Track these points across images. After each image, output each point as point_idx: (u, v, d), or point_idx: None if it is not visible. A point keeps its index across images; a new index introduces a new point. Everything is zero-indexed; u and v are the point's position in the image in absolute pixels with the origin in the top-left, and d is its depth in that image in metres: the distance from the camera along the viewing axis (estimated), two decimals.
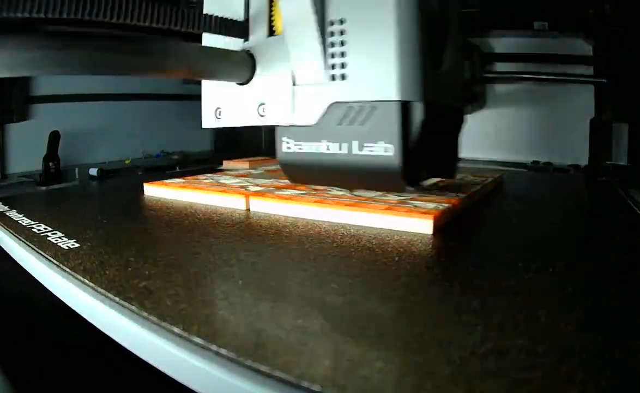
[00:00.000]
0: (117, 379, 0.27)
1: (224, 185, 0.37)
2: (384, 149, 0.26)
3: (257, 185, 0.37)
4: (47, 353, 0.28)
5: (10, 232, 0.29)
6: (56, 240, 0.26)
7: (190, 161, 0.75)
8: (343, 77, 0.27)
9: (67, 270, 0.22)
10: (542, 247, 0.25)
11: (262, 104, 0.31)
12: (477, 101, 0.73)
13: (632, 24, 0.61)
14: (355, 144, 0.27)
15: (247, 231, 0.28)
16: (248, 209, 0.33)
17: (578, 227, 0.29)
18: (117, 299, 0.18)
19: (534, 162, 0.70)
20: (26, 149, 0.67)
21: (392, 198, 0.30)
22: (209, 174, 0.45)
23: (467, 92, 0.70)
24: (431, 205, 0.28)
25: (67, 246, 0.25)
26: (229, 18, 0.30)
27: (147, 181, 0.42)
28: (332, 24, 0.27)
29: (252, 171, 0.48)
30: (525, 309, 0.16)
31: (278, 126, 0.31)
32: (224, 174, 0.45)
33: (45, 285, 0.23)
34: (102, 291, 0.19)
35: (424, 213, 0.26)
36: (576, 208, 0.35)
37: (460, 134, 0.34)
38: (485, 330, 0.15)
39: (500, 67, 0.72)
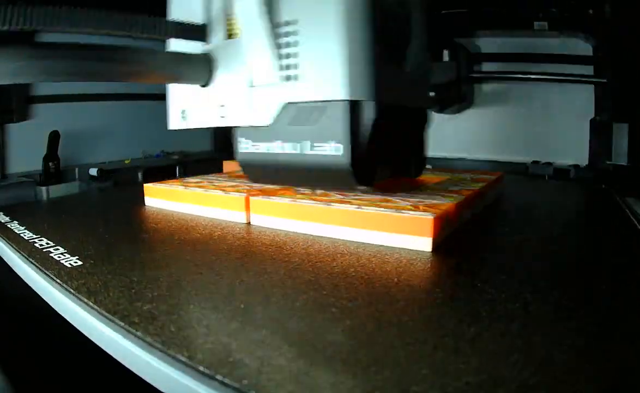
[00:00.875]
0: (117, 379, 0.27)
1: (224, 190, 0.37)
2: (334, 149, 0.27)
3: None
4: (47, 353, 0.29)
5: (13, 247, 0.29)
6: (59, 257, 0.26)
7: (190, 161, 0.75)
8: (295, 77, 0.28)
9: (71, 290, 0.22)
10: (538, 271, 0.24)
11: (222, 105, 0.31)
12: (465, 101, 0.73)
13: (632, 24, 0.61)
14: (306, 144, 0.28)
15: (248, 249, 0.28)
16: (249, 223, 0.34)
17: (577, 248, 0.29)
18: (122, 323, 0.18)
19: (534, 162, 0.70)
20: (26, 149, 0.66)
21: (397, 201, 0.30)
22: (210, 176, 0.45)
23: (454, 91, 0.70)
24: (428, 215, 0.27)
25: (69, 264, 0.25)
26: (188, 22, 0.31)
27: (148, 182, 0.42)
28: (284, 24, 0.28)
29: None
30: (520, 340, 0.17)
31: (236, 126, 0.31)
32: (223, 177, 0.45)
33: (49, 303, 0.23)
34: (107, 314, 0.19)
35: (423, 227, 0.27)
36: (575, 223, 0.35)
37: (425, 134, 0.35)
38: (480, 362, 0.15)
39: (500, 67, 0.72)
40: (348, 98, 0.26)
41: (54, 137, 0.64)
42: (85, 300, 0.21)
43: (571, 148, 0.69)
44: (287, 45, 0.28)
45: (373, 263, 0.25)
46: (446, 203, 0.29)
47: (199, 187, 0.38)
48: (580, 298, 0.20)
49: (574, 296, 0.21)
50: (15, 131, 0.66)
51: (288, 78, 0.28)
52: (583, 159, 0.69)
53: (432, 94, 0.71)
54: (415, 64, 0.31)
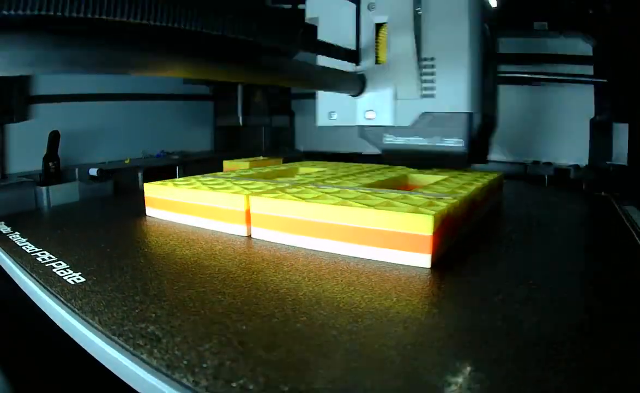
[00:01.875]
0: (117, 379, 0.27)
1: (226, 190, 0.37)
2: (456, 142, 0.41)
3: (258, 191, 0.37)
4: (47, 353, 0.29)
5: (16, 262, 0.29)
6: (61, 273, 0.27)
7: (190, 161, 0.75)
8: (432, 95, 0.42)
9: (76, 310, 0.22)
10: (534, 292, 0.24)
11: (369, 110, 0.44)
12: None
13: (632, 24, 0.61)
14: (437, 138, 0.42)
15: (249, 264, 0.28)
16: (249, 236, 0.34)
17: (579, 273, 0.28)
18: (126, 345, 0.19)
19: (534, 162, 0.70)
20: (26, 149, 0.66)
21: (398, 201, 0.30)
22: (209, 176, 0.45)
23: None
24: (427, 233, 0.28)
25: (72, 281, 0.25)
26: (348, 48, 0.42)
27: (148, 182, 0.43)
28: (425, 59, 0.42)
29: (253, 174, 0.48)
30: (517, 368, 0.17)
31: (380, 125, 0.45)
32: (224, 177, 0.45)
33: (53, 319, 0.24)
34: (112, 337, 0.19)
35: (421, 244, 0.27)
36: (575, 239, 0.35)
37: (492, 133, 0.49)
38: None
39: (500, 67, 0.71)
40: (468, 111, 0.40)
41: (54, 137, 0.64)
42: (90, 321, 0.21)
43: (571, 148, 0.69)
44: (427, 73, 0.41)
45: (373, 281, 0.25)
46: (445, 210, 0.29)
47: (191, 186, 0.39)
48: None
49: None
50: (15, 131, 0.66)
51: (425, 95, 0.42)
52: (583, 159, 0.69)
53: None
54: (492, 86, 0.45)
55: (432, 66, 0.41)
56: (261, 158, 0.72)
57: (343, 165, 0.58)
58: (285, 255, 0.29)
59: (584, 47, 0.68)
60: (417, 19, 0.41)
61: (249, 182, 0.40)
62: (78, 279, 0.26)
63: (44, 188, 0.61)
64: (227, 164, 0.69)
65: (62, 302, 0.23)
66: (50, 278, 0.26)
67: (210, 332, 0.20)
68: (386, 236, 0.28)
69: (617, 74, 0.64)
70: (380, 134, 0.45)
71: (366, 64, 0.44)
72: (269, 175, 0.48)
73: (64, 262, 0.28)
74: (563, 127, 0.71)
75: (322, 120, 0.48)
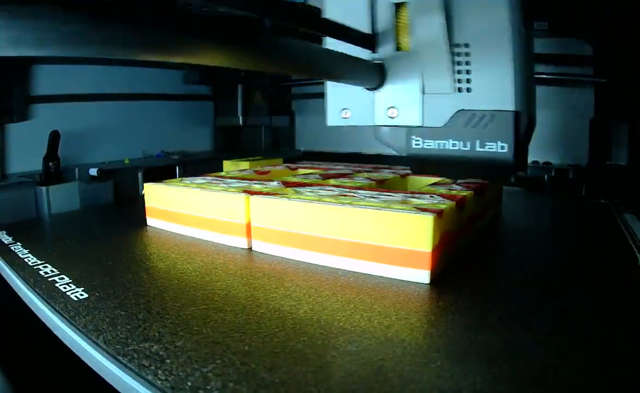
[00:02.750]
0: None
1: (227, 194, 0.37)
2: (500, 147, 0.33)
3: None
4: (47, 353, 0.29)
5: (19, 275, 0.29)
6: (64, 288, 0.27)
7: (190, 161, 0.75)
8: (468, 90, 0.34)
9: (80, 328, 0.22)
10: (531, 310, 0.24)
11: (391, 107, 0.37)
12: None
13: (632, 24, 0.61)
14: (477, 142, 0.34)
15: (250, 280, 0.28)
16: (250, 248, 0.34)
17: (579, 294, 0.27)
18: (131, 365, 0.19)
19: (534, 162, 0.70)
20: (26, 149, 0.66)
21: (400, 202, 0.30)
22: (209, 179, 0.45)
23: None
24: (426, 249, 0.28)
25: (75, 297, 0.26)
26: (361, 31, 0.35)
27: (148, 182, 0.43)
28: (458, 46, 0.34)
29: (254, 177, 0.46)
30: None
31: (404, 125, 0.37)
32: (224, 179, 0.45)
33: (57, 335, 0.24)
34: (116, 355, 0.20)
35: (420, 260, 0.27)
36: (574, 251, 0.34)
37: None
38: None
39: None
40: (514, 109, 0.33)
41: (54, 137, 0.64)
42: (94, 339, 0.21)
43: (571, 148, 0.69)
44: (462, 63, 0.34)
45: (372, 297, 0.25)
46: (445, 227, 0.29)
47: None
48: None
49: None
50: (15, 131, 0.66)
51: (460, 90, 0.34)
52: (583, 159, 0.69)
53: None
54: (530, 76, 0.37)
55: (467, 54, 0.34)
56: (260, 158, 0.72)
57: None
58: (286, 269, 0.30)
59: (583, 47, 0.68)
60: None
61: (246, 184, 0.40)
62: (81, 295, 0.26)
63: (44, 188, 0.61)
64: (227, 164, 0.69)
65: (66, 319, 0.23)
66: (53, 293, 0.26)
67: (214, 352, 0.20)
68: (386, 251, 0.28)
69: (617, 74, 0.64)
70: (403, 137, 0.37)
71: (385, 51, 0.36)
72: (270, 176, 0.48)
73: (67, 276, 0.29)
74: (563, 127, 0.71)
75: (333, 119, 0.40)
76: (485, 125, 0.34)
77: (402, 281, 0.27)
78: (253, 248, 0.34)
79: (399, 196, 0.33)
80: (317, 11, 0.37)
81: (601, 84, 0.67)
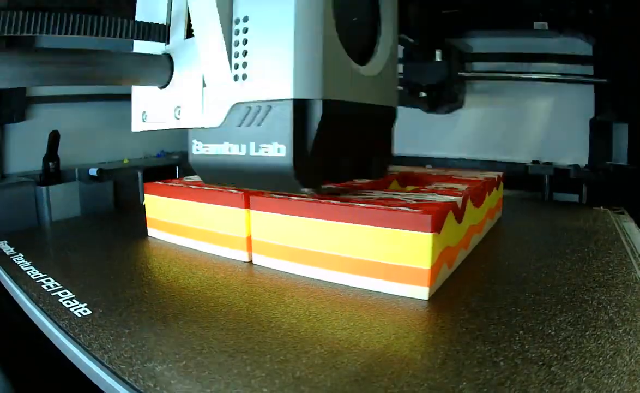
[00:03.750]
0: None
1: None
2: (277, 150, 0.26)
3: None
4: (47, 353, 0.29)
5: (22, 289, 0.30)
6: (67, 304, 0.27)
7: None
8: (245, 77, 0.27)
9: (84, 346, 0.23)
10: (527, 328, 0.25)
11: (177, 106, 0.31)
12: (456, 101, 0.73)
13: (632, 24, 0.61)
14: (252, 145, 0.28)
15: (251, 296, 0.29)
16: (251, 261, 0.34)
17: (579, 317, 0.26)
18: (137, 386, 0.19)
19: (534, 162, 0.71)
20: (26, 149, 0.66)
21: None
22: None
23: (446, 92, 0.71)
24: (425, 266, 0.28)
25: (79, 313, 0.26)
26: (148, 22, 0.30)
27: (148, 181, 0.43)
28: (237, 22, 0.27)
29: None
30: None
31: (190, 128, 0.31)
32: None
33: (62, 351, 0.24)
34: (121, 375, 0.20)
35: (419, 277, 0.27)
36: (573, 267, 0.34)
37: (391, 134, 0.35)
38: None
39: (500, 67, 0.72)
40: (293, 97, 0.26)
41: (54, 137, 0.64)
42: (99, 358, 0.22)
43: (571, 148, 0.70)
44: (239, 43, 0.27)
45: (372, 315, 0.25)
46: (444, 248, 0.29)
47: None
48: None
49: None
50: (15, 131, 0.66)
51: (237, 78, 0.28)
52: (583, 159, 0.69)
53: (423, 94, 0.71)
54: (384, 63, 0.31)
55: (245, 32, 0.27)
56: None
57: None
58: (286, 284, 0.30)
59: (584, 47, 0.68)
60: None
61: None
62: (84, 311, 0.26)
63: (43, 188, 0.61)
64: None
65: (71, 337, 0.24)
66: (57, 309, 0.26)
67: (217, 373, 0.20)
68: (385, 268, 0.28)
69: (617, 74, 0.64)
70: (190, 141, 0.32)
71: (174, 39, 0.31)
72: None
73: (69, 291, 0.29)
74: (563, 127, 0.71)
75: (135, 123, 0.35)
76: (260, 121, 0.27)
77: (402, 297, 0.28)
78: (254, 262, 0.34)
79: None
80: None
81: (601, 84, 0.67)
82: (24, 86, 0.26)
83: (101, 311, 0.26)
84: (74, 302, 0.27)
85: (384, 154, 0.35)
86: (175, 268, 0.34)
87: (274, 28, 0.26)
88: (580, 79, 0.68)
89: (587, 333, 0.24)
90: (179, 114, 0.31)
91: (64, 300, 0.28)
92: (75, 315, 0.26)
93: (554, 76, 0.69)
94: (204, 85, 0.29)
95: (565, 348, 0.22)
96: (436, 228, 0.27)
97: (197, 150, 0.31)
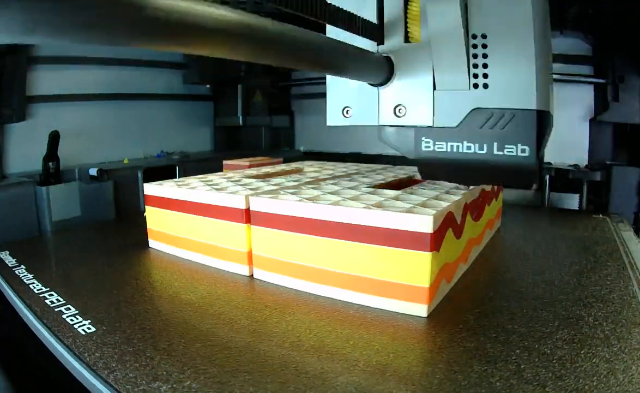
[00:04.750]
0: None
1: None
2: (521, 150, 0.30)
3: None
4: (48, 353, 0.30)
5: (25, 303, 0.30)
6: (71, 320, 0.28)
7: (190, 161, 0.75)
8: (485, 86, 0.31)
9: (90, 365, 0.23)
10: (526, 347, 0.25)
11: (399, 105, 0.34)
12: None
13: (632, 24, 0.61)
14: (495, 145, 0.31)
15: (253, 312, 0.29)
16: (251, 276, 0.35)
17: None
18: None
19: None
20: (26, 149, 0.67)
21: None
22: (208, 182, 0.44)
23: None
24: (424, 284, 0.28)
25: (83, 330, 0.26)
26: (369, 20, 0.32)
27: (148, 181, 0.43)
28: (475, 37, 0.30)
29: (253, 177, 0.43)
30: None
31: (414, 126, 0.34)
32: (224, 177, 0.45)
33: (66, 367, 0.24)
34: None
35: (418, 295, 0.28)
36: (571, 279, 0.34)
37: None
38: None
39: None
40: (537, 108, 0.30)
41: (54, 137, 0.64)
42: (104, 377, 0.22)
43: (571, 147, 0.70)
44: (478, 55, 0.30)
45: (371, 333, 0.26)
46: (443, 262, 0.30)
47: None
48: None
49: None
50: (15, 131, 0.66)
51: (476, 86, 0.31)
52: (583, 160, 0.69)
53: None
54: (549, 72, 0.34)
55: (485, 47, 0.30)
56: (260, 158, 0.72)
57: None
58: (287, 300, 0.30)
59: (584, 47, 0.68)
60: None
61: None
62: (88, 328, 0.27)
63: (43, 188, 0.61)
64: (227, 164, 0.69)
65: (76, 355, 0.24)
66: (61, 326, 0.27)
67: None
68: (384, 285, 0.28)
69: (617, 74, 0.65)
70: (411, 138, 0.34)
71: (393, 42, 0.33)
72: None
73: (73, 307, 0.29)
74: (563, 127, 0.71)
75: (333, 118, 0.37)
76: (504, 126, 0.30)
77: (401, 314, 0.28)
78: (255, 276, 0.35)
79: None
80: None
81: (601, 84, 0.67)
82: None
83: (105, 328, 0.27)
84: (77, 318, 0.28)
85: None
86: (177, 282, 0.34)
87: (514, 46, 0.29)
88: (580, 79, 0.68)
89: (582, 351, 0.24)
90: (399, 112, 0.34)
91: (67, 316, 0.28)
92: (79, 332, 0.26)
93: (554, 76, 0.69)
94: (434, 88, 0.32)
95: (560, 368, 0.22)
96: (435, 246, 0.27)
97: (427, 147, 0.34)
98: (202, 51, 0.19)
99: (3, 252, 0.41)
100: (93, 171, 0.68)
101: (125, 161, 0.71)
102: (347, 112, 0.36)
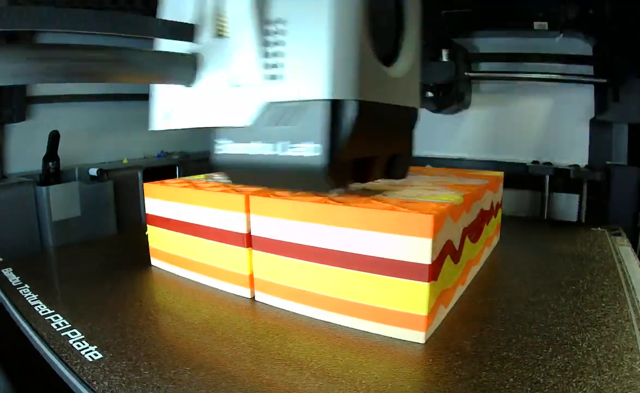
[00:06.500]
0: None
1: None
2: (312, 149, 0.27)
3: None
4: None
5: (32, 327, 0.30)
6: (78, 346, 0.28)
7: (190, 161, 0.75)
8: (278, 77, 0.27)
9: None
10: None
11: (205, 105, 0.31)
12: (462, 101, 0.73)
13: (632, 24, 0.61)
14: (284, 144, 0.28)
15: (255, 339, 0.30)
16: (253, 298, 0.35)
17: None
18: None
19: (534, 162, 0.71)
20: (26, 149, 0.67)
21: None
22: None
23: (453, 92, 0.71)
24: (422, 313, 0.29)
25: (90, 356, 0.27)
26: (175, 21, 0.30)
27: (148, 181, 0.44)
28: (270, 23, 0.27)
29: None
30: None
31: (216, 127, 0.31)
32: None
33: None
34: None
35: (416, 323, 0.28)
36: (564, 299, 0.35)
37: (412, 134, 0.35)
38: None
39: (500, 67, 0.71)
40: (330, 97, 0.26)
41: (54, 137, 0.65)
42: None
43: (571, 147, 0.70)
44: (273, 43, 0.27)
45: (370, 360, 0.27)
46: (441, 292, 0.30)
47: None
48: None
49: None
50: (15, 131, 0.66)
51: (270, 77, 0.28)
52: (583, 159, 0.70)
53: (429, 94, 0.71)
54: (409, 64, 0.32)
55: (282, 33, 0.27)
56: None
57: None
58: (289, 325, 0.31)
59: (584, 47, 0.68)
60: None
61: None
62: (95, 354, 0.27)
63: (44, 188, 0.62)
64: None
65: (85, 384, 0.25)
66: (69, 352, 0.27)
67: None
68: (383, 312, 0.29)
69: (617, 74, 0.65)
70: (213, 140, 0.32)
71: (203, 39, 0.31)
72: None
73: (79, 331, 0.30)
74: (563, 127, 0.71)
75: (157, 122, 0.35)
76: (293, 121, 0.27)
77: (399, 340, 0.29)
78: (256, 299, 0.35)
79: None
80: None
81: (601, 84, 0.67)
82: (37, 83, 0.26)
83: (111, 355, 0.27)
84: (84, 344, 0.28)
85: (407, 155, 0.35)
86: (180, 304, 0.35)
87: (309, 30, 0.26)
88: (580, 79, 0.68)
89: (574, 380, 0.25)
90: (205, 112, 0.31)
91: (74, 342, 0.29)
92: (86, 358, 0.27)
93: (554, 76, 0.69)
94: (234, 85, 0.29)
95: None
96: (433, 276, 0.28)
97: (221, 150, 0.31)
98: None
99: (6, 269, 0.41)
100: (93, 171, 0.69)
101: (125, 161, 0.71)
102: (169, 116, 0.34)
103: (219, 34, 0.30)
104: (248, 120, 0.29)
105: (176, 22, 0.30)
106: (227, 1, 0.29)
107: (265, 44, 0.27)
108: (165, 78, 0.30)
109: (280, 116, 0.28)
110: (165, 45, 0.32)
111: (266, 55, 0.27)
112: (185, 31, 0.30)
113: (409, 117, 0.34)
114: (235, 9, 0.28)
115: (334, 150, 0.26)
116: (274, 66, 0.27)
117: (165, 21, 0.30)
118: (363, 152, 0.30)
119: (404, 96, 0.32)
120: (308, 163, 0.27)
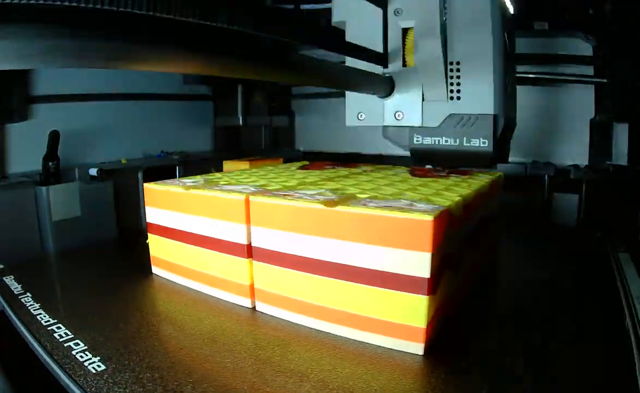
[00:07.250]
0: None
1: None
2: (482, 142, 0.43)
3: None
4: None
5: (35, 337, 0.31)
6: (81, 357, 0.28)
7: (190, 161, 0.75)
8: (458, 98, 0.44)
9: None
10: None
11: (398, 111, 0.46)
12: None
13: (632, 24, 0.61)
14: (464, 138, 0.44)
15: (256, 350, 0.30)
16: (254, 308, 0.35)
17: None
18: None
19: (534, 162, 0.71)
20: (26, 149, 0.67)
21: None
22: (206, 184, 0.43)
23: None
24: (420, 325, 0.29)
25: (93, 368, 0.27)
26: (377, 51, 0.45)
27: (148, 181, 0.44)
28: (451, 63, 0.43)
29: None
30: None
31: (408, 126, 0.46)
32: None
33: None
34: None
35: (415, 335, 0.29)
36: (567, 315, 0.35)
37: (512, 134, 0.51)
38: None
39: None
40: (493, 113, 0.42)
41: (54, 137, 0.64)
42: None
43: (571, 148, 0.70)
44: (454, 76, 0.44)
45: (370, 372, 0.27)
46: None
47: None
48: None
49: None
50: (15, 131, 0.66)
51: (452, 98, 0.44)
52: (583, 159, 0.69)
53: None
54: (512, 89, 0.48)
55: (458, 70, 0.43)
56: (260, 158, 0.73)
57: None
58: (289, 336, 0.31)
59: (584, 47, 0.68)
60: (443, 24, 0.42)
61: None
62: (98, 366, 0.27)
63: (43, 188, 0.62)
64: (227, 164, 0.70)
65: None
66: (72, 363, 0.28)
67: None
68: (383, 324, 0.29)
69: (617, 74, 0.64)
70: (406, 135, 0.47)
71: (394, 67, 0.46)
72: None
73: (81, 342, 0.30)
74: (563, 127, 0.71)
75: (350, 120, 0.50)
76: (470, 125, 0.43)
77: (398, 351, 0.29)
78: (257, 309, 0.35)
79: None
80: (341, 33, 0.47)
81: (601, 84, 0.67)
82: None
83: (114, 366, 0.28)
84: (87, 355, 0.29)
85: (509, 147, 0.51)
86: (181, 314, 0.35)
87: (479, 70, 0.42)
88: (580, 79, 0.68)
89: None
90: (398, 116, 0.46)
91: (77, 352, 0.29)
92: (90, 370, 0.27)
93: (554, 76, 0.69)
94: (423, 99, 0.45)
95: None
96: (432, 290, 0.28)
97: (417, 141, 0.47)
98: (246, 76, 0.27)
99: (8, 277, 0.41)
100: (93, 171, 0.69)
101: (124, 161, 0.71)
102: (360, 116, 0.49)
103: (405, 64, 0.45)
104: (436, 123, 0.45)
105: (376, 51, 0.44)
106: (419, 45, 0.43)
107: (449, 76, 0.43)
108: (372, 90, 0.44)
109: (459, 122, 0.44)
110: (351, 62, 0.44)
111: (450, 84, 0.44)
112: (383, 59, 0.46)
113: (514, 124, 0.51)
114: (425, 52, 0.43)
115: (495, 142, 0.43)
116: (455, 90, 0.44)
117: (370, 50, 0.42)
118: (506, 142, 0.47)
119: (513, 111, 0.49)
120: (482, 150, 0.43)
